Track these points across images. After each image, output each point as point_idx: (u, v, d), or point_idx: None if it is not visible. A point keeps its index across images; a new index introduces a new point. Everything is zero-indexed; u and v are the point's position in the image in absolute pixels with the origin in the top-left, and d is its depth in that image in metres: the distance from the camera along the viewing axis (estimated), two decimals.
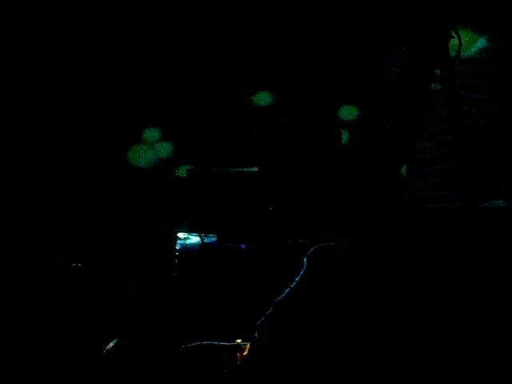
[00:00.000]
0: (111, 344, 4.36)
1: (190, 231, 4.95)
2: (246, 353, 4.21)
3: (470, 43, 2.78)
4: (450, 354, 2.61)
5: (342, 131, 5.19)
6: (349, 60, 5.20)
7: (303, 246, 4.77)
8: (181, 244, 4.88)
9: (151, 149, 5.50)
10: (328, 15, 5.15)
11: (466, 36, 2.76)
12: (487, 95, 2.73)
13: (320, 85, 5.36)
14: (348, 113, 5.49)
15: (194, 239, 4.93)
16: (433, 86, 2.64)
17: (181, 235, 4.92)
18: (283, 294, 4.23)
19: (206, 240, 4.92)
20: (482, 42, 2.78)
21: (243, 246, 4.92)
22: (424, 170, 2.75)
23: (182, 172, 5.27)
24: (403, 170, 3.27)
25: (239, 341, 4.31)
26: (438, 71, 2.56)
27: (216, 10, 5.31)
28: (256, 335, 4.13)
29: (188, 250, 4.90)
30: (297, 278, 4.32)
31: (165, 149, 5.57)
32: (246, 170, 5.15)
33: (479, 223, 2.62)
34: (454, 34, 2.56)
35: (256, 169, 5.14)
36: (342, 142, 5.15)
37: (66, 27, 5.21)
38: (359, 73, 5.02)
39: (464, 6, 2.75)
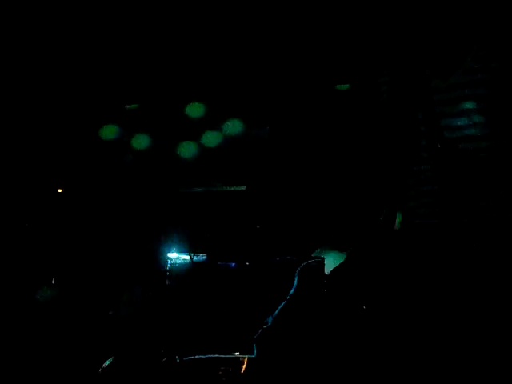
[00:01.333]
0: (107, 362, 4.41)
1: (179, 251, 5.01)
2: (244, 366, 4.27)
3: (453, 68, 2.90)
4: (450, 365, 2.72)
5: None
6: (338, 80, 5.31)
7: (292, 263, 4.87)
8: (171, 264, 4.94)
9: None
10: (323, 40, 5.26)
11: (447, 61, 2.88)
12: (472, 118, 2.85)
13: (306, 100, 5.45)
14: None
15: (184, 259, 4.99)
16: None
17: (171, 255, 4.98)
18: (279, 308, 4.32)
19: (196, 259, 4.99)
20: (464, 66, 2.90)
21: (233, 264, 4.99)
22: (420, 189, 2.88)
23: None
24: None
25: (237, 354, 4.37)
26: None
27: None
28: (254, 348, 4.21)
29: (178, 269, 4.96)
30: (290, 293, 4.42)
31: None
32: (233, 188, 5.24)
33: (470, 237, 2.76)
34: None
35: (244, 187, 5.23)
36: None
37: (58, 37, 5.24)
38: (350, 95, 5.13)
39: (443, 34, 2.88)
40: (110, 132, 5.55)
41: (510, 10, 4.61)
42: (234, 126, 5.53)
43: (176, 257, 4.98)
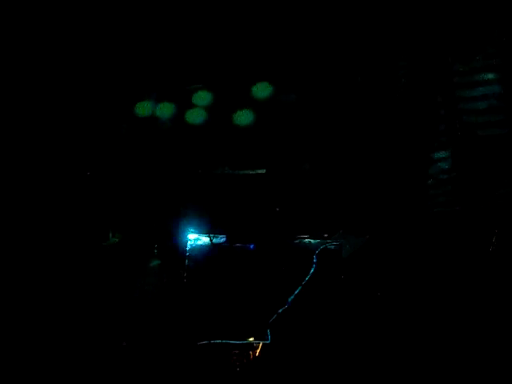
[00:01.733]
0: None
1: (199, 232, 5.05)
2: (258, 351, 4.29)
3: (473, 53, 2.89)
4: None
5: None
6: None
7: (310, 246, 4.89)
8: (191, 245, 4.98)
9: None
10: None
11: (469, 47, 2.88)
12: (491, 103, 2.85)
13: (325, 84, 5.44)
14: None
15: (204, 240, 5.03)
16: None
17: (191, 236, 5.02)
18: (295, 293, 4.33)
19: (216, 241, 5.03)
20: (485, 50, 2.89)
21: (252, 246, 5.03)
22: (439, 177, 2.89)
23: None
24: None
25: (251, 339, 4.38)
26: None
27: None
28: (268, 334, 4.22)
29: (198, 250, 5.00)
30: (307, 277, 4.43)
31: None
32: (253, 171, 5.26)
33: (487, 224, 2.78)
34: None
35: (263, 170, 5.25)
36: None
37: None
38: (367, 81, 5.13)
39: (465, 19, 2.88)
40: (141, 109, 5.61)
41: None
42: (256, 111, 5.55)
43: (196, 238, 5.02)
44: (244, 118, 5.57)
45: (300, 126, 5.50)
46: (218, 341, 4.44)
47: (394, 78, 3.02)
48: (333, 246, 4.75)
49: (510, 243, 2.82)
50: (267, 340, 4.29)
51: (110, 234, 5.07)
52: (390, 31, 4.86)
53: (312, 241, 4.93)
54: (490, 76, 2.85)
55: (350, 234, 4.61)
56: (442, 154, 2.86)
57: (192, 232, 5.03)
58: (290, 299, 4.36)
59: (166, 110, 5.61)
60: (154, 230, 5.19)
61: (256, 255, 4.98)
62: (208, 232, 5.03)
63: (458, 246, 2.88)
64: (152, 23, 5.39)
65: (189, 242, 4.98)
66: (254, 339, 4.36)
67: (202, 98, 5.62)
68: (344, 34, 5.14)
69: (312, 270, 4.52)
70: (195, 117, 5.63)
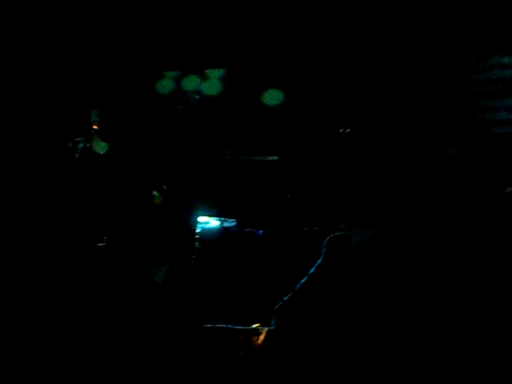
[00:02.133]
0: None
1: (210, 215, 5.09)
2: (262, 337, 4.30)
3: (492, 51, 2.91)
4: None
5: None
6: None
7: (319, 234, 4.91)
8: (201, 228, 5.03)
9: None
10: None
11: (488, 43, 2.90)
12: (508, 101, 2.88)
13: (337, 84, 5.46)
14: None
15: (214, 223, 5.07)
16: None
17: (201, 219, 5.06)
18: (302, 281, 4.35)
19: (226, 224, 5.07)
20: (504, 48, 2.91)
21: (260, 231, 5.07)
22: (450, 173, 2.92)
23: None
24: None
25: (256, 325, 4.40)
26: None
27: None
28: (273, 321, 4.24)
29: (208, 233, 5.04)
30: (314, 266, 4.44)
31: None
32: (266, 158, 5.29)
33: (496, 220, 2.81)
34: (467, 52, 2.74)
35: (276, 157, 5.28)
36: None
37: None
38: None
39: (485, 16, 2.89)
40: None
41: None
42: (272, 98, 5.56)
43: (206, 221, 5.06)
44: (263, 101, 5.61)
45: (316, 117, 5.52)
46: (222, 325, 4.45)
47: (412, 72, 3.04)
48: (341, 236, 4.77)
49: None
50: (272, 326, 4.31)
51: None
52: (408, 26, 4.87)
53: (321, 229, 4.96)
54: (507, 74, 2.86)
55: (360, 224, 4.62)
56: (455, 150, 2.88)
57: (203, 215, 5.07)
58: (296, 287, 4.38)
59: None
60: (163, 212, 5.23)
61: (265, 241, 5.02)
62: (219, 215, 5.07)
63: (467, 242, 2.91)
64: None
65: (199, 225, 5.03)
66: (259, 325, 4.38)
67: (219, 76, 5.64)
68: (361, 29, 5.16)
69: (320, 260, 4.55)
70: (212, 93, 5.64)
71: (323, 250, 4.54)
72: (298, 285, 4.29)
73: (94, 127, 4.66)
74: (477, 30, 2.91)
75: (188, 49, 5.36)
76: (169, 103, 5.64)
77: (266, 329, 4.29)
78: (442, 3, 2.91)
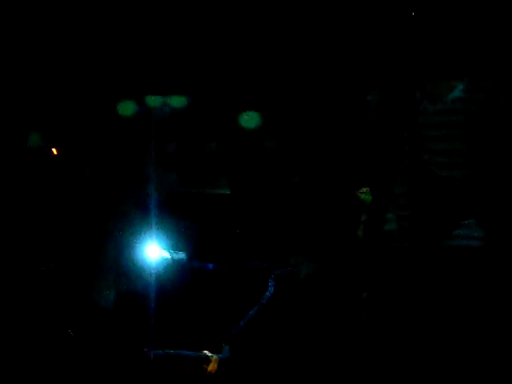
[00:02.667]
0: None
1: (160, 247, 5.09)
2: (214, 366, 4.28)
3: (444, 93, 3.01)
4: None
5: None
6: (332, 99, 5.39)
7: (268, 269, 4.97)
8: (151, 259, 5.02)
9: None
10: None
11: (439, 86, 3.01)
12: (454, 146, 2.97)
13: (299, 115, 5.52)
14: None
15: (165, 255, 5.07)
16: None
17: (152, 250, 5.06)
18: (251, 312, 4.40)
19: (176, 257, 5.08)
20: (455, 93, 3.01)
21: (211, 265, 5.10)
22: (400, 213, 3.00)
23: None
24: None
25: (207, 352, 4.39)
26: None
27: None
28: (226, 348, 4.26)
29: (157, 264, 5.04)
30: (264, 298, 4.51)
31: None
32: (218, 191, 5.34)
33: (438, 261, 2.90)
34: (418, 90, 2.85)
35: (228, 191, 5.33)
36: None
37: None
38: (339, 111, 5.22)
39: (437, 58, 3.00)
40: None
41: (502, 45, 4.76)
42: (224, 131, 5.60)
43: (156, 252, 5.05)
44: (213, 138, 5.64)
45: (269, 154, 5.59)
46: (172, 351, 4.43)
47: (364, 109, 3.14)
48: (289, 272, 4.84)
49: (461, 284, 2.94)
50: (224, 354, 4.32)
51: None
52: (362, 65, 5.00)
53: (270, 265, 5.02)
54: (456, 119, 2.97)
55: (307, 258, 4.70)
56: (402, 190, 2.97)
57: (153, 246, 5.07)
58: (246, 318, 4.43)
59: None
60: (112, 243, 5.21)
61: (215, 274, 5.05)
62: (169, 247, 5.08)
63: (409, 281, 2.99)
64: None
65: (149, 257, 5.02)
66: (211, 352, 4.36)
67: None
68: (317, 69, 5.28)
69: (268, 292, 4.61)
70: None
71: (271, 283, 4.61)
72: (249, 314, 4.33)
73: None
74: (428, 73, 3.02)
75: (148, 73, 5.39)
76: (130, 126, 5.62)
77: (218, 357, 4.28)
78: (397, 43, 3.01)
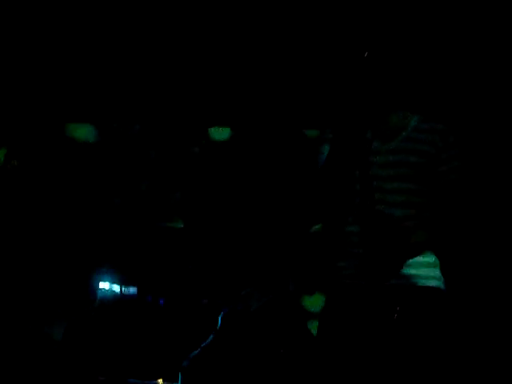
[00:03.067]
0: None
1: (110, 281, 5.04)
2: None
3: (396, 133, 3.06)
4: None
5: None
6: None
7: (218, 305, 4.96)
8: (102, 293, 4.97)
9: None
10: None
11: (391, 126, 3.05)
12: (405, 185, 3.01)
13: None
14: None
15: (115, 289, 5.03)
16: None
17: (102, 285, 5.01)
18: (200, 347, 4.39)
19: (127, 291, 5.03)
20: (406, 133, 3.05)
21: (161, 300, 5.06)
22: (350, 251, 3.01)
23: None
24: None
25: (160, 381, 4.36)
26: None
27: None
28: (180, 377, 4.24)
29: (108, 298, 4.99)
30: (213, 333, 4.50)
31: None
32: (172, 225, 5.31)
33: (389, 299, 2.92)
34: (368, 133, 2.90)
35: (182, 225, 5.30)
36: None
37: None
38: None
39: (389, 98, 3.05)
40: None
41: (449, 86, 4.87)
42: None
43: (107, 286, 5.01)
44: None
45: (224, 191, 5.60)
46: (122, 380, 4.40)
47: (318, 148, 3.16)
48: (239, 308, 4.84)
49: (408, 321, 2.95)
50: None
51: None
52: (316, 104, 5.06)
53: (220, 300, 5.01)
54: (406, 159, 3.00)
55: (258, 292, 4.72)
56: (354, 228, 2.99)
57: (104, 280, 5.02)
58: (194, 353, 4.42)
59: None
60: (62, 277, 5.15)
61: (166, 309, 5.01)
62: (119, 282, 5.04)
63: (359, 319, 3.00)
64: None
65: (100, 290, 4.97)
66: (162, 380, 4.35)
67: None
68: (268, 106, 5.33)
69: (219, 326, 4.61)
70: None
71: (221, 317, 4.61)
72: (201, 346, 4.31)
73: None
74: (380, 114, 3.06)
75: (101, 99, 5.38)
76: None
77: None
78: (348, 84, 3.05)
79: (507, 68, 4.79)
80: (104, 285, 4.99)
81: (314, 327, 4.72)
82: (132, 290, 5.07)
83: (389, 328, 2.89)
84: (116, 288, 5.04)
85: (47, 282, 4.94)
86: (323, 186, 2.99)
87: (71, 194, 5.51)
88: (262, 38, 5.24)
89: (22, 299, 4.73)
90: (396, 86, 2.99)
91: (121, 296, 5.02)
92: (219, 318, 4.70)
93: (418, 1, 4.83)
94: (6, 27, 5.16)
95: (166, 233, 5.36)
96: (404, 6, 4.76)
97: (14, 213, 5.09)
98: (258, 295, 4.78)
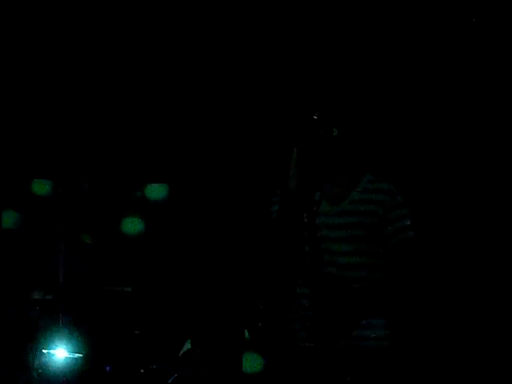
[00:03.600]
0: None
1: (54, 347, 4.92)
2: None
3: (344, 195, 3.05)
4: None
5: None
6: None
7: (167, 372, 4.86)
8: (45, 360, 4.84)
9: None
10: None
11: (338, 188, 3.05)
12: (354, 246, 3.00)
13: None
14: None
15: (59, 355, 4.89)
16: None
17: (44, 351, 4.88)
18: None
19: (70, 358, 4.91)
20: (354, 196, 3.05)
21: (108, 367, 4.95)
22: (301, 314, 2.98)
23: None
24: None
25: None
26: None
27: None
28: None
29: (50, 366, 4.87)
30: None
31: None
32: (118, 289, 5.23)
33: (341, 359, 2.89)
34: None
35: (129, 289, 5.22)
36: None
37: None
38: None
39: (334, 162, 3.06)
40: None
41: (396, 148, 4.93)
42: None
43: (49, 352, 4.88)
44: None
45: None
46: None
47: (267, 212, 3.14)
48: (189, 374, 4.78)
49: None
50: None
51: None
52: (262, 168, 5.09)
53: (169, 367, 4.93)
54: (352, 220, 3.01)
55: (210, 353, 4.67)
56: (304, 290, 2.96)
57: (47, 347, 4.89)
58: None
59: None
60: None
61: (112, 377, 4.91)
62: (64, 348, 4.91)
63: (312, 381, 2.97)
64: None
65: (41, 357, 4.85)
66: None
67: None
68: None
69: None
70: None
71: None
72: None
73: None
74: (329, 177, 3.07)
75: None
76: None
77: None
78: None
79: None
80: (49, 349, 4.86)
81: None
82: (77, 355, 4.93)
83: None
84: (61, 354, 4.91)
85: None
86: (272, 248, 2.96)
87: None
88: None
89: None
90: (345, 147, 3.01)
91: (66, 361, 4.89)
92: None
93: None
94: None
95: (112, 297, 5.27)
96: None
97: None
98: (208, 358, 4.72)
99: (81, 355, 4.93)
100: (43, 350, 4.86)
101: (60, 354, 4.87)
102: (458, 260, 4.82)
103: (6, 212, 5.51)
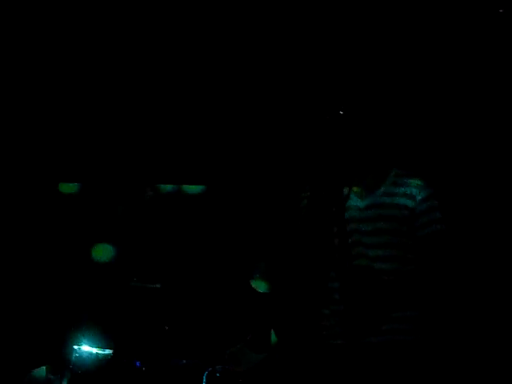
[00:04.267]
0: None
1: (86, 343, 4.96)
2: None
3: (372, 189, 3.06)
4: None
5: None
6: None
7: (198, 367, 4.87)
8: (76, 356, 4.88)
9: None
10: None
11: (367, 182, 3.06)
12: (385, 239, 2.99)
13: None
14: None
15: (91, 351, 4.94)
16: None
17: (76, 347, 4.92)
18: None
19: (102, 353, 4.95)
20: (382, 189, 3.06)
21: (138, 363, 4.97)
22: (333, 308, 2.98)
23: None
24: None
25: None
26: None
27: None
28: None
29: (83, 361, 4.90)
30: None
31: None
32: (149, 285, 5.26)
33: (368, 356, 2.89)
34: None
35: (159, 285, 5.25)
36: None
37: None
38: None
39: (363, 159, 3.06)
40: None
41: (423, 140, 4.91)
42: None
43: (83, 349, 4.92)
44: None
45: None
46: None
47: (297, 207, 3.16)
48: (220, 369, 4.77)
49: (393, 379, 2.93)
50: None
51: None
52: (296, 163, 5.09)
53: (200, 362, 4.93)
54: (382, 212, 3.01)
55: (249, 350, 4.66)
56: (335, 285, 2.96)
57: (80, 343, 4.93)
58: None
59: None
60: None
61: (142, 372, 4.93)
62: (96, 344, 4.95)
63: (343, 378, 2.96)
64: None
65: (75, 353, 4.88)
66: None
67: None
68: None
69: None
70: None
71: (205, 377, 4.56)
72: None
73: None
74: (355, 169, 3.07)
75: None
76: None
77: None
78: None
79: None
80: (79, 346, 4.90)
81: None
82: (107, 352, 4.97)
83: None
84: (92, 349, 4.94)
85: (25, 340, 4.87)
86: (302, 243, 2.97)
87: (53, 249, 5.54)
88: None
89: None
90: (372, 142, 3.01)
91: (96, 357, 4.92)
92: (204, 378, 4.64)
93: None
94: None
95: (142, 293, 5.29)
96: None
97: None
98: (249, 354, 4.71)
99: (111, 351, 4.96)
100: (74, 346, 4.90)
101: (91, 349, 4.91)
102: (487, 253, 4.80)
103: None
